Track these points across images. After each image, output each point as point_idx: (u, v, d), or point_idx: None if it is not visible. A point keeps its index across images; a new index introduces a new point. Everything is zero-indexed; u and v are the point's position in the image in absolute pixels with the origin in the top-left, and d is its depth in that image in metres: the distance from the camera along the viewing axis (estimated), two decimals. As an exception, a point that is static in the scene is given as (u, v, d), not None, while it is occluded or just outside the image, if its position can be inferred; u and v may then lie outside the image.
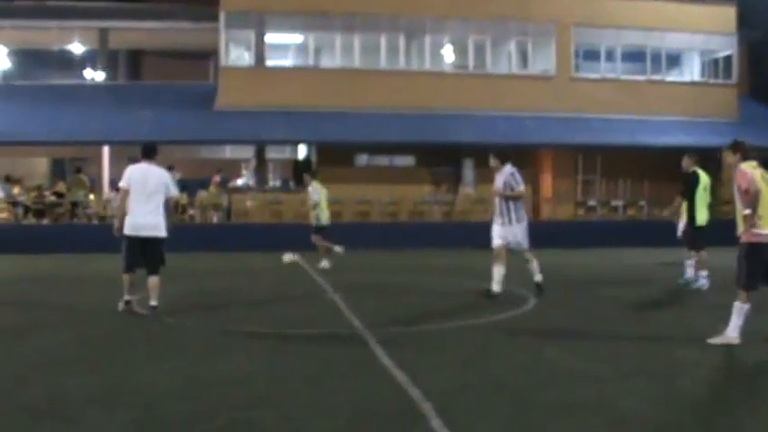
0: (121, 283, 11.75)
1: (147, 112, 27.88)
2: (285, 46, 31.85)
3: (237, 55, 31.23)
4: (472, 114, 29.21)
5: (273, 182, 32.38)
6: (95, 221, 26.75)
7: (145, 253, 11.51)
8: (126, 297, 11.70)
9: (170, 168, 27.06)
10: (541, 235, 25.73)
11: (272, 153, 32.30)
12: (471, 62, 31.18)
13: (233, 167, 32.94)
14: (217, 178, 28.06)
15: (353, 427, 6.03)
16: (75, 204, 27.20)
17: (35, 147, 28.91)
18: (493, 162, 13.07)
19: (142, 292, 11.88)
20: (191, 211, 27.63)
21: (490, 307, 12.08)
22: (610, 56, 31.81)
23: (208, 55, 33.28)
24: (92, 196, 28.08)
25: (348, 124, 27.91)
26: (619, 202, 30.69)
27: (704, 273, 14.28)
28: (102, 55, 32.01)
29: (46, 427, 6.08)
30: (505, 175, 12.89)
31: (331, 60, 30.71)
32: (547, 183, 30.99)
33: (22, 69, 36.06)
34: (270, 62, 30.40)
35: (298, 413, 6.39)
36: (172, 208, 12.17)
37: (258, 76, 29.32)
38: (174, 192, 12.00)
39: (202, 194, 27.62)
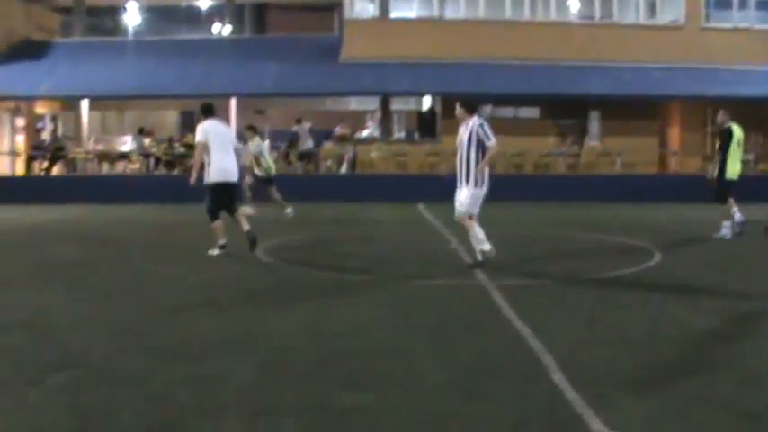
0: (219, 231, 12.64)
1: (272, 65, 28.24)
2: (409, -3, 31.76)
3: (362, 7, 31.27)
4: (598, 65, 28.63)
5: (398, 133, 32.48)
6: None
7: (225, 197, 12.62)
8: (221, 242, 12.58)
9: (298, 121, 27.47)
10: (669, 188, 25.41)
11: (397, 104, 32.35)
12: (597, 12, 30.55)
13: (358, 119, 33.16)
14: (339, 129, 28.34)
15: (475, 377, 6.07)
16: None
17: (165, 100, 29.64)
18: (458, 111, 11.33)
19: (266, 241, 12.17)
20: (328, 162, 28.02)
21: (614, 261, 11.96)
22: (743, 4, 30.70)
23: (332, 7, 33.46)
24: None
25: (472, 76, 27.72)
26: (749, 157, 29.70)
27: (727, 223, 14.67)
28: (229, 10, 32.47)
29: (177, 369, 6.31)
30: (472, 126, 11.00)
31: (455, 11, 30.48)
32: (674, 136, 30.22)
33: (153, 25, 37.00)
34: (394, 13, 30.37)
35: (420, 362, 6.48)
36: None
37: (382, 28, 29.34)
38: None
39: (327, 145, 27.94)
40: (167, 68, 28.21)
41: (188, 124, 31.43)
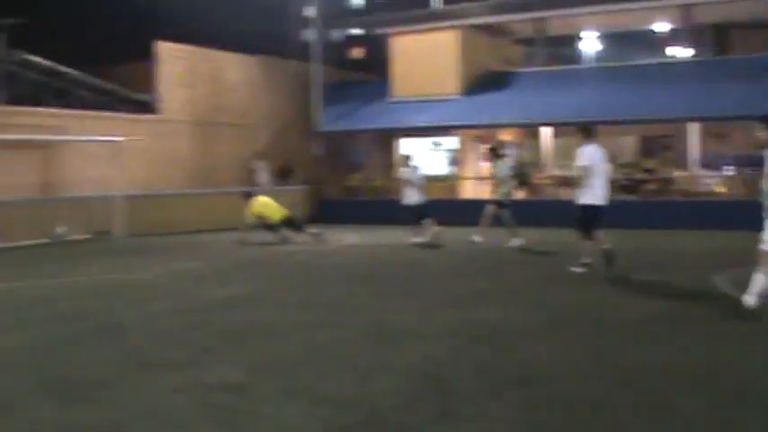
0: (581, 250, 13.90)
1: (734, 87, 27.23)
2: None
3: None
4: None
5: None
6: (682, 197, 26.98)
7: (597, 219, 13.68)
8: (586, 260, 13.70)
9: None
10: None
11: None
12: None
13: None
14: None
15: None
16: (664, 181, 27.54)
17: (624, 126, 29.66)
18: (761, 134, 9.62)
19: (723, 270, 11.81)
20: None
21: None
22: None
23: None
24: (678, 173, 28.21)
25: None
26: None
27: None
28: (688, 32, 31.81)
29: (630, 396, 6.44)
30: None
31: None
32: None
33: (610, 51, 37.33)
34: None
35: None
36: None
37: None
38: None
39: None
40: (625, 94, 28.24)
41: (648, 150, 31.21)
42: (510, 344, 8.34)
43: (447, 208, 24.08)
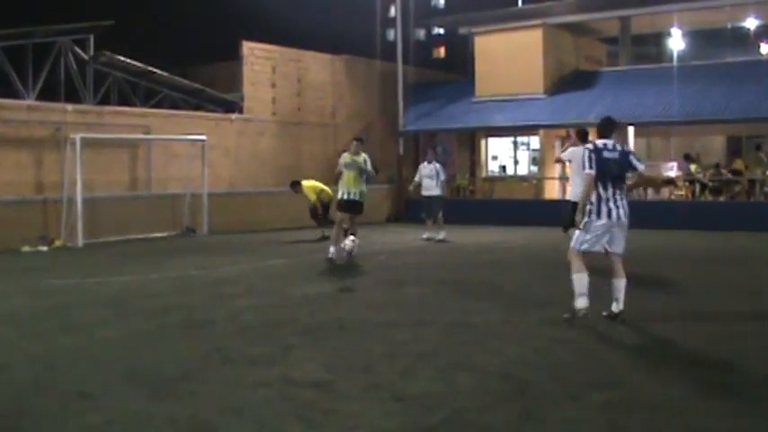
0: None
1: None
2: None
3: None
4: None
5: None
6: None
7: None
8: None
9: None
10: None
11: None
12: None
13: None
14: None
15: None
16: (752, 182, 26.93)
17: (710, 125, 29.12)
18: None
19: None
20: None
21: None
22: None
23: None
24: (768, 174, 27.60)
25: None
26: None
27: None
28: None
29: (716, 403, 6.34)
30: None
31: None
32: None
33: (697, 50, 36.71)
34: None
35: None
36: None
37: None
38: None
39: None
40: (713, 93, 27.68)
41: (735, 150, 30.63)
42: (597, 349, 8.24)
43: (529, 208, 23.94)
